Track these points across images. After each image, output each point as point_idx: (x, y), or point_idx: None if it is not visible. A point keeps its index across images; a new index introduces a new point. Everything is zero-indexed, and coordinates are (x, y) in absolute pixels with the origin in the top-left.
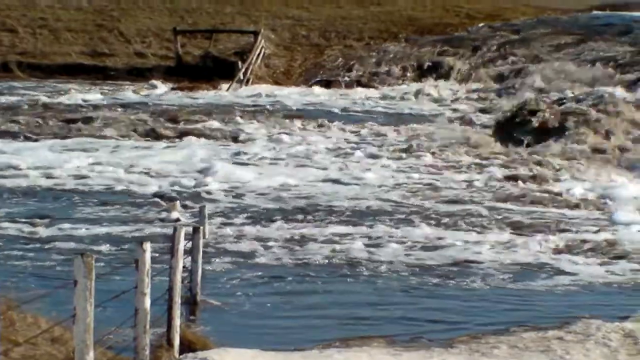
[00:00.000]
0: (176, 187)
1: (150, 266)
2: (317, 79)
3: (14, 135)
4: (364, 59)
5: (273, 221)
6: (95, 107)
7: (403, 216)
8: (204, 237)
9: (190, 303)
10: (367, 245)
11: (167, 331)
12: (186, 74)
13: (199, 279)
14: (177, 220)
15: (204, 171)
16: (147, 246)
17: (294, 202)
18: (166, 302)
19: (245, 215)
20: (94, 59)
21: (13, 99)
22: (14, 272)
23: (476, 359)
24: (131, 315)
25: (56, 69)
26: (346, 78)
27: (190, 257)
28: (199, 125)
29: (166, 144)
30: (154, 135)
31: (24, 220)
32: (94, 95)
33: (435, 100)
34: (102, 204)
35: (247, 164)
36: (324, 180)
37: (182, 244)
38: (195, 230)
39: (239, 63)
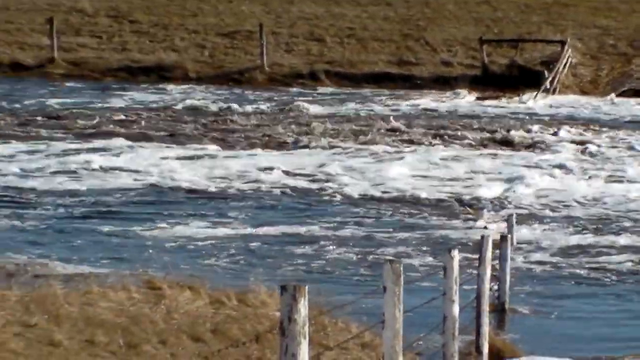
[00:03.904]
0: (484, 195)
1: (458, 273)
2: (624, 89)
3: None
4: None
5: (582, 231)
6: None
7: None
8: (511, 245)
9: (498, 311)
10: None
11: (476, 338)
12: (491, 82)
13: (507, 287)
14: (485, 228)
15: (514, 179)
16: (455, 253)
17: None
18: (474, 309)
19: (555, 223)
20: (400, 67)
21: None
22: (325, 277)
23: None
24: (439, 322)
25: (362, 77)
26: None
27: (497, 265)
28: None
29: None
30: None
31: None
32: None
33: None
34: (410, 209)
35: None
36: None
37: (490, 252)
38: (503, 238)
39: (545, 72)
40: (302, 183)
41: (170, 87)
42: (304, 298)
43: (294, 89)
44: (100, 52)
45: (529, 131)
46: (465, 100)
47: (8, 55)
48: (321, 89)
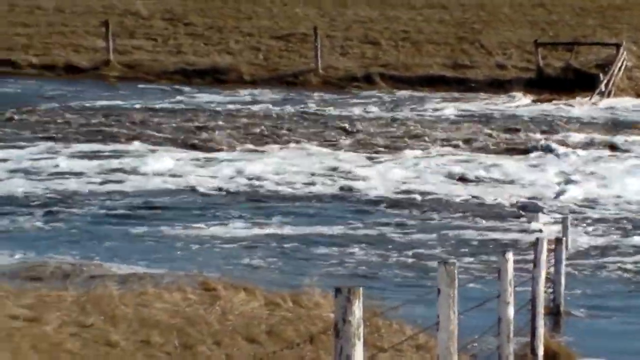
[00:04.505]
0: (539, 198)
1: (512, 276)
2: None
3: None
4: None
5: (630, 233)
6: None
7: None
8: (566, 249)
9: (554, 313)
10: None
11: (531, 340)
12: (546, 85)
13: (562, 289)
14: (539, 231)
15: (568, 182)
16: (510, 256)
17: None
18: (529, 311)
19: (601, 225)
20: (455, 70)
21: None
22: (375, 280)
23: None
24: (494, 324)
25: (417, 80)
26: None
27: (552, 267)
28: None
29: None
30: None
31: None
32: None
33: None
34: (462, 212)
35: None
36: None
37: (545, 255)
38: (558, 241)
39: (600, 75)
40: (339, 185)
41: (243, 91)
42: (358, 300)
43: (363, 92)
44: (155, 55)
45: (580, 133)
46: (520, 103)
47: (63, 58)
48: (380, 92)
